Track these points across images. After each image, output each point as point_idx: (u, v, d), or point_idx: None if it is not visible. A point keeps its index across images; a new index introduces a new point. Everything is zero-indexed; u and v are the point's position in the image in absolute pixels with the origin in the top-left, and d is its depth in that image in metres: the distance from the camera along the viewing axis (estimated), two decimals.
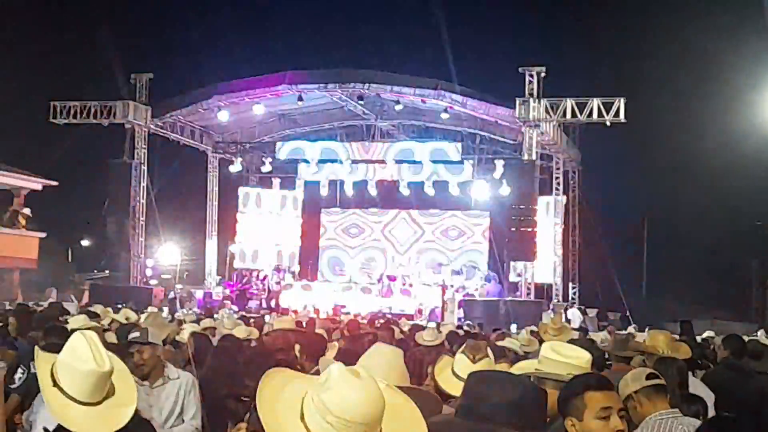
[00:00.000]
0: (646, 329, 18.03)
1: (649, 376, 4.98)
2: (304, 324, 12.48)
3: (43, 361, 3.48)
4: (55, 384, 3.39)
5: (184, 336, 9.69)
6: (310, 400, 2.54)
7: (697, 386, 6.71)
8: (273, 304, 30.25)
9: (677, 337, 10.86)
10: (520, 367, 4.43)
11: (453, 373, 4.51)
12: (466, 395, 3.22)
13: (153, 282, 33.13)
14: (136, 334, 6.63)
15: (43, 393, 3.42)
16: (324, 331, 10.06)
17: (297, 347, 7.17)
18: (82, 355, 3.39)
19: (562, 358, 4.22)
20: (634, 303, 31.84)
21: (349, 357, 7.61)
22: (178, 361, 7.80)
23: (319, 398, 2.50)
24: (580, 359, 4.23)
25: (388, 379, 3.11)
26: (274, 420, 2.55)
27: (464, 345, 4.76)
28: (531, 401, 3.13)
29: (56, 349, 3.58)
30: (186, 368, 7.58)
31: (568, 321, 25.03)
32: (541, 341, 10.82)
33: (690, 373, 6.72)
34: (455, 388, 4.17)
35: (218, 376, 7.89)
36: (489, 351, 4.72)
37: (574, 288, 32.95)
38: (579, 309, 29.37)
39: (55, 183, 30.49)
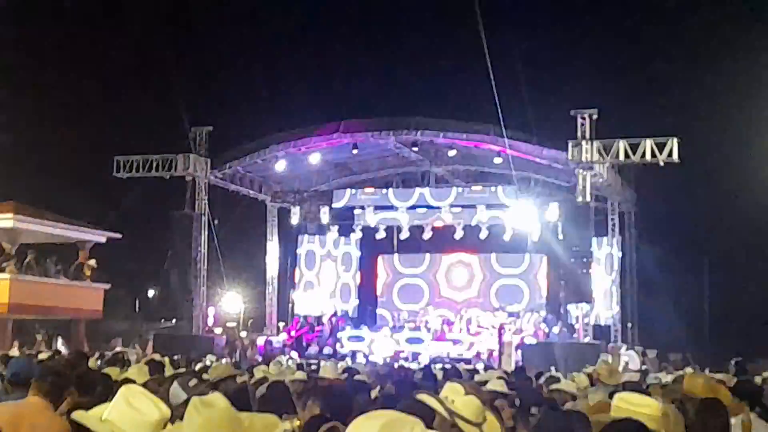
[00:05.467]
0: (706, 370, 17.95)
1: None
2: (358, 370, 12.79)
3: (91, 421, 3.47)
4: None
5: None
6: None
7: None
8: (330, 350, 30.53)
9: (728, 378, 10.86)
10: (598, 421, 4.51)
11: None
12: None
13: (217, 330, 33.65)
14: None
15: None
16: (367, 377, 10.27)
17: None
18: (143, 407, 3.42)
19: (634, 407, 4.44)
20: (696, 343, 31.43)
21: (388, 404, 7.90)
22: None
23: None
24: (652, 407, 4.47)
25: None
26: None
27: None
28: None
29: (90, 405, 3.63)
30: None
31: (626, 362, 24.90)
32: (593, 383, 10.95)
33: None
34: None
35: None
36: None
37: (632, 329, 32.66)
38: (637, 350, 29.12)
39: (118, 235, 31.22)
